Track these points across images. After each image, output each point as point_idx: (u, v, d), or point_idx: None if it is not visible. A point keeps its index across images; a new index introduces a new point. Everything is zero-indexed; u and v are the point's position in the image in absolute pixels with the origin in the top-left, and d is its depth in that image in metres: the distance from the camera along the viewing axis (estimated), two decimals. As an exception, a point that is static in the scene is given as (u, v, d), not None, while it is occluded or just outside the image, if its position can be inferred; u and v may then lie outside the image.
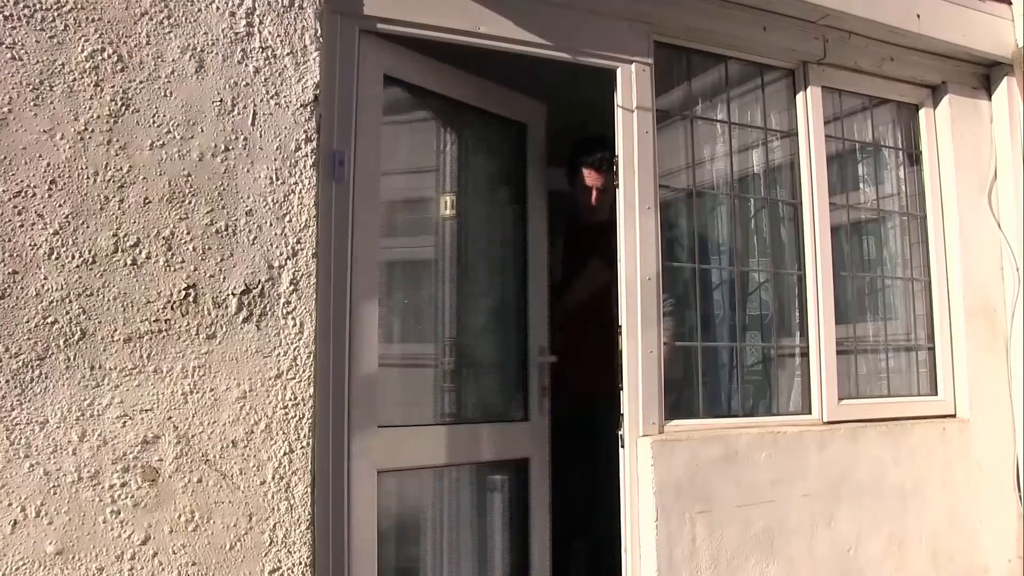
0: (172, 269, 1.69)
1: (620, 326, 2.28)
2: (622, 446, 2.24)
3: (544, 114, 2.62)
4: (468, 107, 2.41)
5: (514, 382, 2.51)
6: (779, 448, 2.41)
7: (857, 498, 2.53)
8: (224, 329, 1.73)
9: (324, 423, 1.87)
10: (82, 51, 1.65)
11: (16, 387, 1.56)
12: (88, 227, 1.63)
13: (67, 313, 1.60)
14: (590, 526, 2.75)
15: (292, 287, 1.80)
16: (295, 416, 1.78)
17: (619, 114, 2.34)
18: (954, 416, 2.85)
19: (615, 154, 2.34)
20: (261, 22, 1.82)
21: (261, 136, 1.80)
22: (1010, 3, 2.93)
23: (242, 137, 1.78)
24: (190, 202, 1.72)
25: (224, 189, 1.75)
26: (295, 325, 1.79)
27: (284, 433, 1.76)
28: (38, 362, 1.57)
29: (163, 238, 1.69)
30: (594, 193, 2.74)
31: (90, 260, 1.62)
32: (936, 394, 2.89)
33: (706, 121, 2.65)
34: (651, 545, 2.18)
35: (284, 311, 1.79)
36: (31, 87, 1.61)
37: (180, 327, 1.69)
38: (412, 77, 2.21)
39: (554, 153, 2.70)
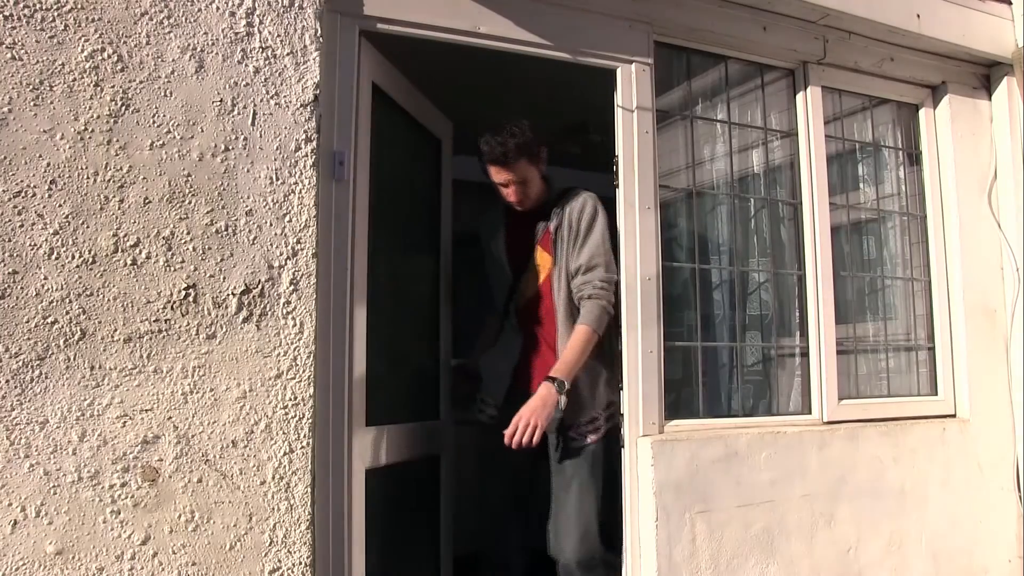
0: (172, 269, 1.69)
1: (620, 324, 2.28)
2: (622, 446, 2.24)
3: (452, 131, 2.69)
4: (409, 117, 2.40)
5: (431, 385, 2.56)
6: (779, 448, 2.41)
7: (857, 498, 2.53)
8: (224, 329, 1.73)
9: (324, 423, 1.87)
10: (82, 51, 1.65)
11: (16, 387, 1.56)
12: (88, 227, 1.63)
13: (67, 313, 1.60)
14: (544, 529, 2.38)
15: (292, 287, 1.80)
16: (295, 416, 1.78)
17: (619, 114, 2.34)
18: (954, 416, 2.85)
19: (615, 154, 2.34)
20: (261, 22, 1.82)
21: (261, 136, 1.80)
22: (1010, 3, 2.93)
23: (242, 137, 1.78)
24: (190, 202, 1.72)
25: (224, 189, 1.75)
26: (295, 325, 1.79)
27: (284, 433, 1.76)
28: (38, 362, 1.57)
29: (163, 238, 1.69)
30: (511, 191, 2.30)
31: (90, 260, 1.63)
32: (936, 394, 2.89)
33: (706, 121, 2.65)
34: (651, 545, 2.18)
35: (284, 311, 1.79)
36: (31, 87, 1.61)
37: (180, 327, 1.69)
38: (384, 84, 2.21)
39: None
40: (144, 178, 1.69)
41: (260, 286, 1.77)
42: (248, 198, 1.77)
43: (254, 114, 1.80)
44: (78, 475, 1.59)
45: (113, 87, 1.67)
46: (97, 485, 1.60)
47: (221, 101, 1.77)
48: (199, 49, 1.76)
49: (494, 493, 2.46)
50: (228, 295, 1.74)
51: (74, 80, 1.64)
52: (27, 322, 1.57)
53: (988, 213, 2.95)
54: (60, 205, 1.61)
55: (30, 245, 1.58)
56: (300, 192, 1.82)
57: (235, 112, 1.78)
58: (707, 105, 2.66)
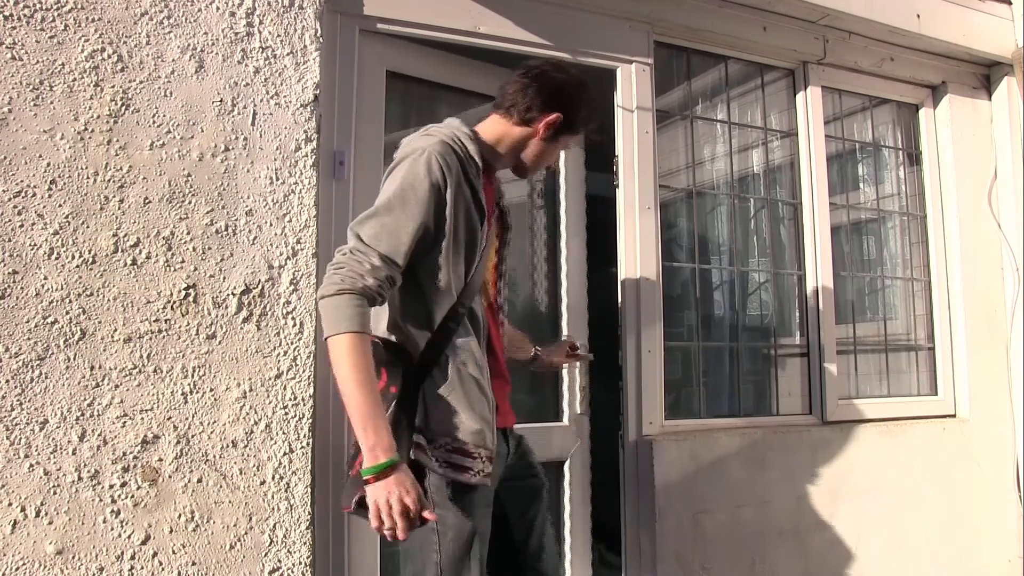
0: (172, 269, 1.69)
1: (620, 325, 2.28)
2: (622, 446, 2.24)
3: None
4: (479, 97, 2.30)
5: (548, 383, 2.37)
6: (779, 448, 2.41)
7: (857, 498, 2.53)
8: (224, 329, 1.73)
9: (324, 423, 1.87)
10: (82, 51, 1.65)
11: (16, 387, 1.56)
12: (88, 227, 1.63)
13: (67, 313, 1.60)
14: None
15: (292, 287, 1.80)
16: (295, 416, 1.78)
17: (619, 114, 2.34)
18: (954, 416, 2.85)
19: (615, 154, 2.34)
20: (261, 22, 1.82)
21: (261, 136, 1.80)
22: (1010, 3, 2.93)
23: (242, 137, 1.78)
24: (190, 202, 1.72)
25: (224, 189, 1.75)
26: (295, 325, 1.79)
27: (284, 433, 1.76)
28: (38, 362, 1.57)
29: (163, 238, 1.69)
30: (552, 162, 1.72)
31: (90, 260, 1.63)
32: (936, 394, 2.89)
33: (706, 121, 2.65)
34: (651, 545, 2.18)
35: (284, 311, 1.79)
36: (31, 87, 1.61)
37: (180, 327, 1.69)
38: (418, 71, 2.16)
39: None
40: (144, 178, 1.69)
41: (260, 286, 1.77)
42: (248, 198, 1.77)
43: (254, 114, 1.80)
44: (78, 475, 1.59)
45: (113, 87, 1.67)
46: (97, 485, 1.60)
47: (221, 101, 1.77)
48: (199, 49, 1.76)
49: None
50: (228, 295, 1.74)
51: (74, 80, 1.64)
52: (27, 322, 1.57)
53: (988, 213, 2.95)
54: (60, 205, 1.61)
55: (30, 245, 1.58)
56: (300, 192, 1.82)
57: (235, 112, 1.78)
58: (707, 105, 2.66)
